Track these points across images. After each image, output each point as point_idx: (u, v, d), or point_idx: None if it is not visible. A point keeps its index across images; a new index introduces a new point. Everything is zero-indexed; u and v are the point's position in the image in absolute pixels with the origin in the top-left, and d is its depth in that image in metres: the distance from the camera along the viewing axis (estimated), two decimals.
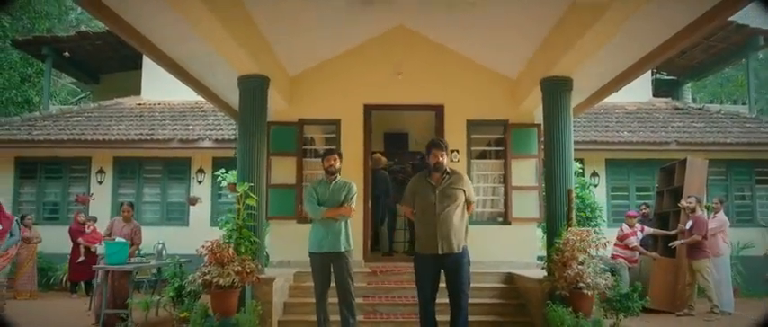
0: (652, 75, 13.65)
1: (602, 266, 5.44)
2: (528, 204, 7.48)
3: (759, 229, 10.75)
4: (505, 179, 7.59)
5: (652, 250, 8.41)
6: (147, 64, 11.09)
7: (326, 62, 7.62)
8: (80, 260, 9.39)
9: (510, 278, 6.68)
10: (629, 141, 10.64)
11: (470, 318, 4.96)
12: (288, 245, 7.28)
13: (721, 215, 8.32)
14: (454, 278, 4.74)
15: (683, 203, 7.94)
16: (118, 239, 6.92)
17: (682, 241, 7.83)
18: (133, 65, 12.80)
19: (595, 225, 8.59)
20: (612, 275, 7.41)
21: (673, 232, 8.18)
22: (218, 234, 5.88)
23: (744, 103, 16.46)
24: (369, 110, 7.69)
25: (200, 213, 10.75)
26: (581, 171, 9.66)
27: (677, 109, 12.27)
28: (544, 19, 5.80)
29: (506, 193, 7.55)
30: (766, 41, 12.17)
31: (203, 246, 5.12)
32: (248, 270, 5.04)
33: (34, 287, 9.38)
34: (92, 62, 14.03)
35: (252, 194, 5.44)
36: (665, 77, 15.28)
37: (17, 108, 15.57)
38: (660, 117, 11.71)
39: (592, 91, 7.14)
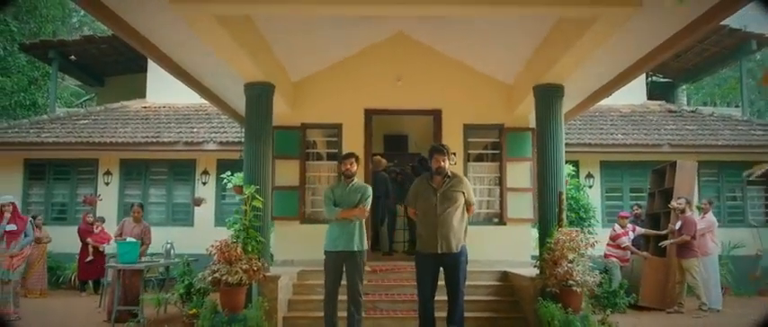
0: (647, 77, 13.87)
1: (591, 264, 5.68)
2: (522, 205, 7.74)
3: (749, 229, 10.93)
4: (501, 181, 7.86)
5: (644, 249, 8.65)
6: (152, 67, 11.29)
7: (328, 68, 7.86)
8: (89, 259, 9.67)
9: (505, 276, 6.92)
10: (623, 143, 10.86)
11: (466, 314, 5.26)
12: (291, 245, 7.56)
13: (710, 215, 8.56)
14: (452, 275, 5.03)
15: (673, 204, 8.17)
16: (128, 239, 7.16)
17: (672, 241, 8.07)
18: (138, 68, 13.05)
19: (589, 226, 8.85)
20: (605, 274, 7.69)
21: (663, 232, 8.42)
22: (222, 233, 6.10)
23: (737, 106, 16.70)
24: (369, 114, 7.93)
25: (205, 213, 10.98)
26: (575, 172, 9.86)
27: (670, 111, 12.47)
28: (535, 32, 6.06)
29: (502, 195, 7.83)
30: (759, 45, 12.39)
31: (212, 245, 5.38)
32: (255, 268, 5.30)
33: (44, 286, 9.61)
34: (97, 65, 14.25)
35: (258, 196, 5.69)
36: (661, 80, 15.50)
37: (24, 111, 15.74)
38: (654, 119, 11.91)
39: (583, 97, 7.43)
